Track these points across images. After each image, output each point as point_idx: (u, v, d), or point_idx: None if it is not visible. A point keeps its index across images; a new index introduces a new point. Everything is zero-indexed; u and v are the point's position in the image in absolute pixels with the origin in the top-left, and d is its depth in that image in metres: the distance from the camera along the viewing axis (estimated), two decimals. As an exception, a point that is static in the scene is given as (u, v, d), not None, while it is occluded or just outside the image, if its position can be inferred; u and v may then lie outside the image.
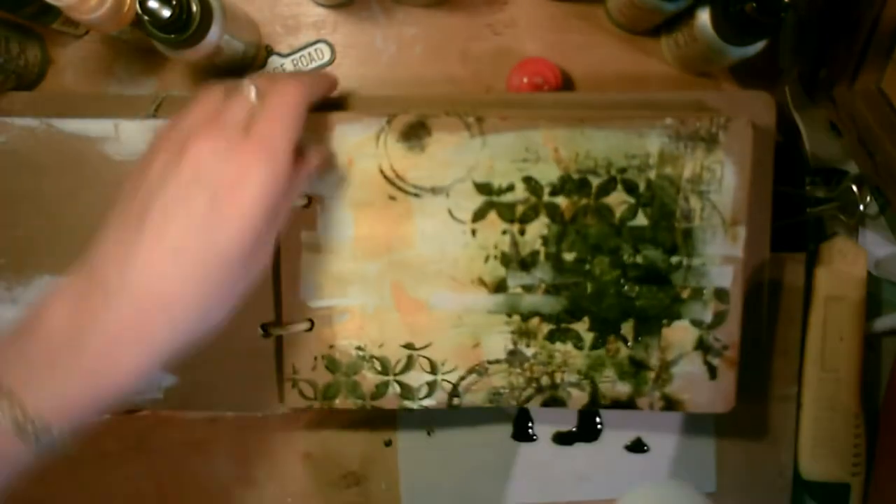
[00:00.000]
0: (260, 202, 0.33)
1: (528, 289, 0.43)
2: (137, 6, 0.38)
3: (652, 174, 0.42)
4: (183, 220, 0.32)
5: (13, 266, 0.45)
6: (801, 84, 0.47)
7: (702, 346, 0.43)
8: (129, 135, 0.44)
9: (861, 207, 0.47)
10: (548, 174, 0.42)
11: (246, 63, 0.47)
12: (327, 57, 0.48)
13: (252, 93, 0.35)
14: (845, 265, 0.47)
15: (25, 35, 0.46)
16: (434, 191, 0.42)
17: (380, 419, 0.49)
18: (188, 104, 0.35)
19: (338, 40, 0.48)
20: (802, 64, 0.47)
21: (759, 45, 0.41)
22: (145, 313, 0.32)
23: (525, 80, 0.46)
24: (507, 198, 0.42)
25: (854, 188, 0.47)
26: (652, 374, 0.44)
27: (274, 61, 0.48)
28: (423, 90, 0.48)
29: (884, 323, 0.49)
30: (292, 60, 0.48)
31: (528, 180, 0.42)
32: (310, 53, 0.48)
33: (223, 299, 0.34)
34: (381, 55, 0.48)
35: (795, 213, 0.47)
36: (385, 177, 0.42)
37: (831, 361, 0.47)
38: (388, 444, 0.49)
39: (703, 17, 0.41)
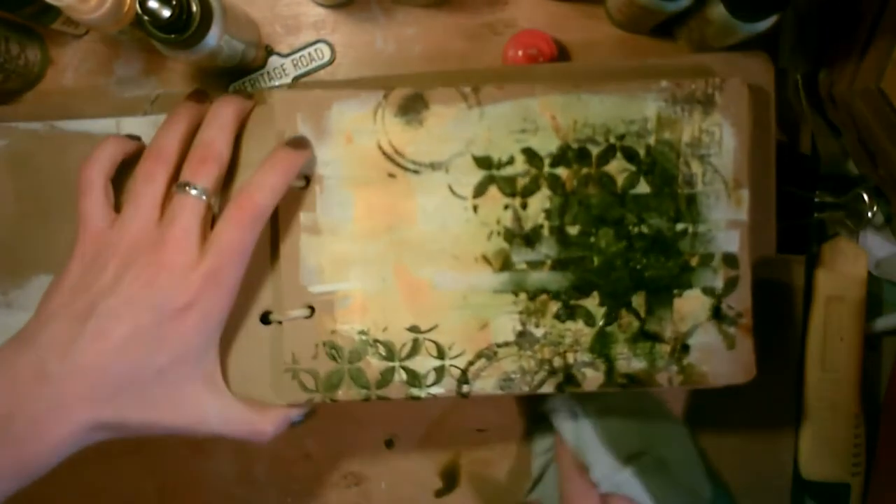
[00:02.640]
0: (203, 329, 0.36)
1: (533, 265, 0.42)
2: (137, 6, 0.38)
3: (651, 140, 0.41)
4: (127, 329, 0.34)
5: (9, 268, 0.45)
6: (801, 84, 0.47)
7: (716, 314, 0.42)
8: (131, 131, 0.43)
9: (869, 214, 0.46)
10: (547, 144, 0.41)
11: (246, 63, 0.47)
12: (327, 57, 0.48)
13: (205, 196, 0.36)
14: (846, 265, 0.47)
15: (25, 35, 0.46)
16: (433, 166, 0.42)
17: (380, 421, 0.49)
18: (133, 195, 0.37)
19: (338, 40, 0.48)
20: (802, 64, 0.47)
21: (770, 21, 0.41)
22: (75, 401, 0.34)
23: (520, 52, 0.45)
24: (508, 171, 0.41)
25: (864, 196, 0.46)
26: (668, 348, 0.42)
27: (274, 61, 0.48)
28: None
29: (884, 323, 0.49)
30: (292, 60, 0.48)
31: (527, 152, 0.41)
32: (310, 53, 0.48)
33: (157, 401, 0.36)
34: (381, 55, 0.48)
35: (801, 215, 0.46)
36: (384, 153, 0.42)
37: (831, 361, 0.47)
38: (389, 444, 0.49)
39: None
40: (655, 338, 0.42)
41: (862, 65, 0.42)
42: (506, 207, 0.42)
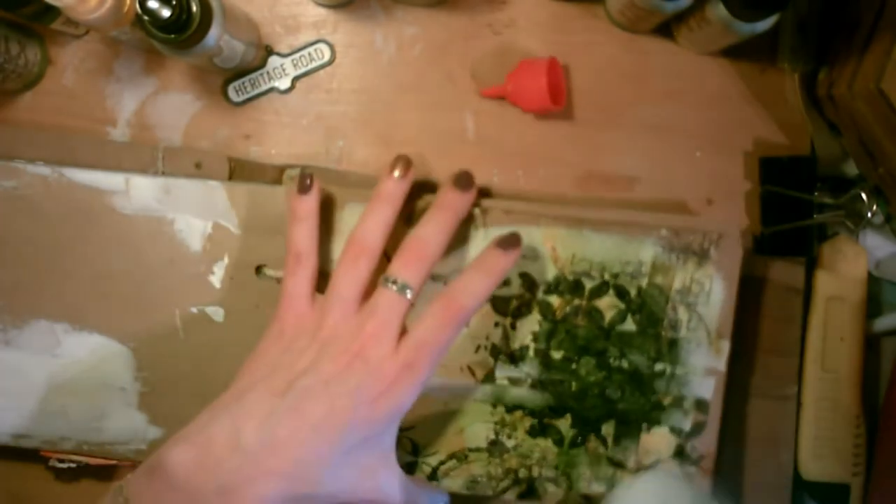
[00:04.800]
0: (391, 417, 0.37)
1: (514, 382, 0.44)
2: (137, 6, 0.38)
3: (643, 282, 0.43)
4: (323, 409, 0.35)
5: (10, 308, 0.45)
6: (801, 84, 0.47)
7: (680, 454, 0.44)
8: (139, 190, 0.44)
9: (869, 215, 0.46)
10: (544, 272, 0.43)
11: (245, 63, 0.47)
12: (327, 57, 0.48)
13: (408, 294, 0.37)
14: (846, 265, 0.47)
15: (25, 35, 0.46)
16: (433, 277, 0.43)
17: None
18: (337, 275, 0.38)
19: (338, 40, 0.48)
20: (802, 64, 0.47)
21: (770, 21, 0.41)
22: (268, 476, 0.34)
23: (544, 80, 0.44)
24: (503, 292, 0.43)
25: (863, 196, 0.46)
26: (628, 478, 0.44)
27: (274, 61, 0.48)
28: (421, 95, 0.48)
29: (884, 323, 0.49)
30: (292, 60, 0.48)
31: (524, 276, 0.43)
32: (310, 53, 0.48)
33: (341, 478, 0.36)
34: (381, 55, 0.48)
35: (801, 216, 0.46)
36: (388, 258, 0.43)
37: (831, 361, 0.47)
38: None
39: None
40: (618, 465, 0.44)
41: (862, 65, 0.42)
42: (496, 325, 0.44)
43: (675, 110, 0.47)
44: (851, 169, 0.48)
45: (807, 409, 0.48)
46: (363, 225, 0.39)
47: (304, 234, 0.40)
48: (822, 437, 0.47)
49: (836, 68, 0.45)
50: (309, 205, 0.40)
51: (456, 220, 0.40)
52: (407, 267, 0.38)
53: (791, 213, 0.46)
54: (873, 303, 0.49)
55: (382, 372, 0.36)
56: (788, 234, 0.46)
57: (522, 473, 0.45)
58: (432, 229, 0.39)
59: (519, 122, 0.48)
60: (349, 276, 0.38)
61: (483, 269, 0.38)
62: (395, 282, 0.37)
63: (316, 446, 0.35)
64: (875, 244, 0.48)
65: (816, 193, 0.46)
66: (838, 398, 0.47)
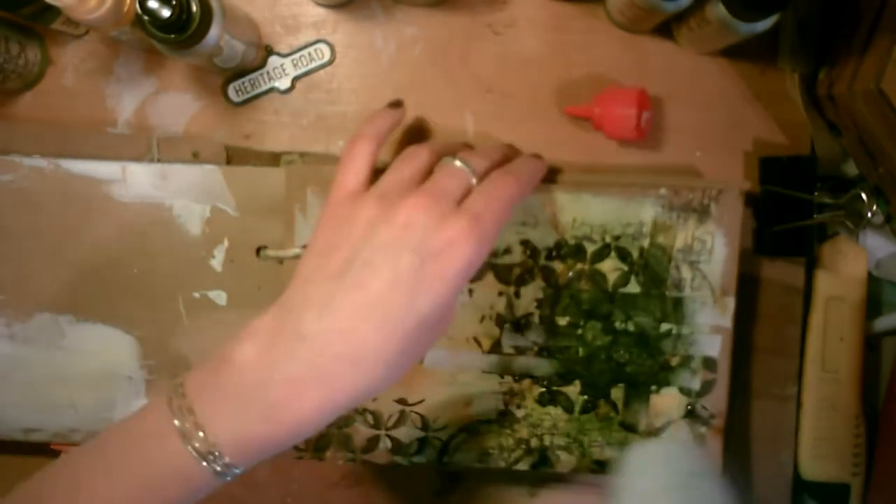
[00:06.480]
0: (461, 276, 0.33)
1: (521, 350, 0.44)
2: (137, 6, 0.38)
3: (645, 242, 0.43)
4: (387, 276, 0.32)
5: (13, 303, 0.45)
6: (801, 84, 0.47)
7: (690, 414, 0.44)
8: (136, 178, 0.45)
9: (869, 215, 0.46)
10: (545, 238, 0.43)
11: (246, 63, 0.47)
12: (327, 57, 0.48)
13: (470, 173, 0.36)
14: (846, 266, 0.47)
15: (25, 35, 0.46)
16: None
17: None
18: (392, 165, 0.37)
19: (338, 40, 0.48)
20: (802, 64, 0.47)
21: (770, 21, 0.41)
22: (334, 362, 0.32)
23: (646, 116, 0.44)
24: (505, 260, 0.43)
25: (863, 196, 0.46)
26: (640, 440, 0.44)
27: (274, 61, 0.48)
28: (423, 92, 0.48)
29: (884, 323, 0.49)
30: (292, 60, 0.48)
31: (525, 243, 0.43)
32: (310, 53, 0.48)
33: (409, 359, 0.34)
34: (381, 55, 0.48)
35: (801, 217, 0.46)
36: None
37: (831, 361, 0.47)
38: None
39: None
40: (630, 429, 0.44)
41: (862, 65, 0.42)
42: (500, 294, 0.44)
43: (675, 110, 0.47)
44: (851, 169, 0.48)
45: (807, 409, 0.48)
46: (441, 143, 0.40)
47: (380, 125, 0.39)
48: (822, 437, 0.47)
49: (836, 68, 0.45)
50: (392, 117, 0.40)
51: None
52: (475, 159, 0.36)
53: (791, 213, 0.46)
54: (873, 303, 0.49)
55: (446, 223, 0.33)
56: (788, 234, 0.46)
57: (534, 443, 0.44)
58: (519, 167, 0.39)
59: (518, 122, 0.48)
60: (410, 161, 0.37)
61: (528, 159, 0.40)
62: (459, 160, 0.36)
63: (381, 320, 0.32)
64: (875, 244, 0.48)
65: (816, 193, 0.46)
66: (838, 398, 0.47)
